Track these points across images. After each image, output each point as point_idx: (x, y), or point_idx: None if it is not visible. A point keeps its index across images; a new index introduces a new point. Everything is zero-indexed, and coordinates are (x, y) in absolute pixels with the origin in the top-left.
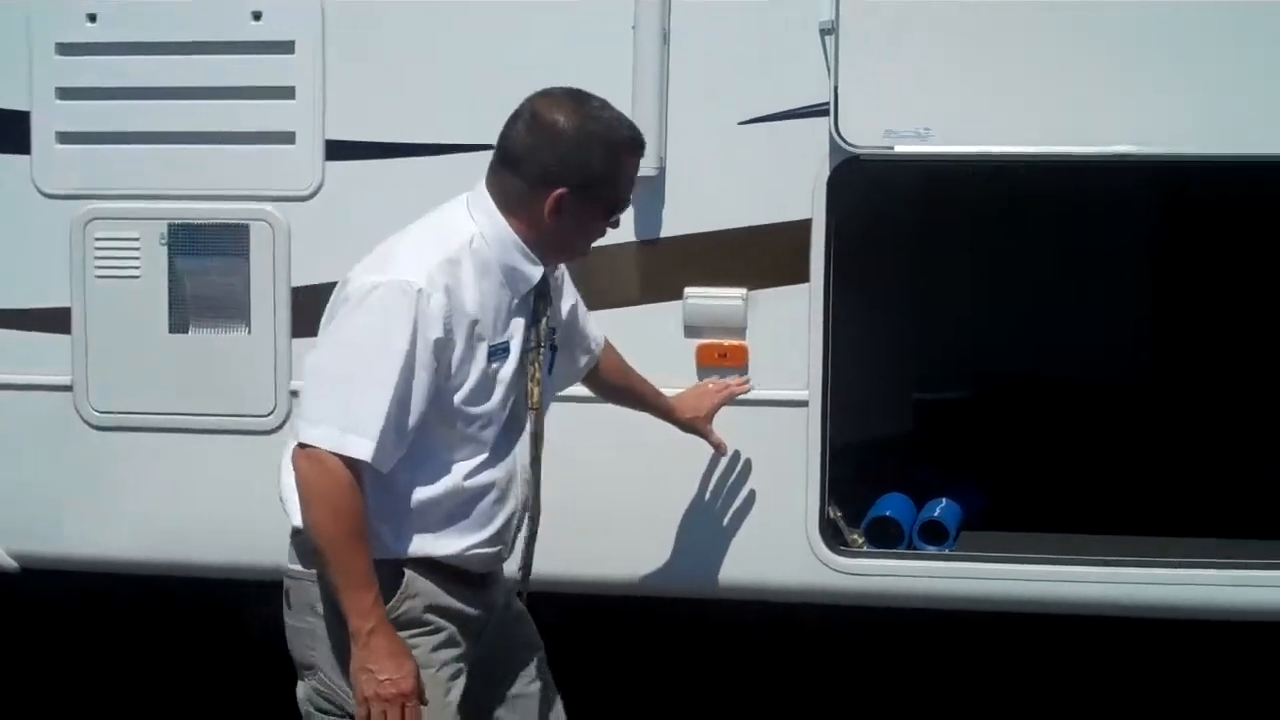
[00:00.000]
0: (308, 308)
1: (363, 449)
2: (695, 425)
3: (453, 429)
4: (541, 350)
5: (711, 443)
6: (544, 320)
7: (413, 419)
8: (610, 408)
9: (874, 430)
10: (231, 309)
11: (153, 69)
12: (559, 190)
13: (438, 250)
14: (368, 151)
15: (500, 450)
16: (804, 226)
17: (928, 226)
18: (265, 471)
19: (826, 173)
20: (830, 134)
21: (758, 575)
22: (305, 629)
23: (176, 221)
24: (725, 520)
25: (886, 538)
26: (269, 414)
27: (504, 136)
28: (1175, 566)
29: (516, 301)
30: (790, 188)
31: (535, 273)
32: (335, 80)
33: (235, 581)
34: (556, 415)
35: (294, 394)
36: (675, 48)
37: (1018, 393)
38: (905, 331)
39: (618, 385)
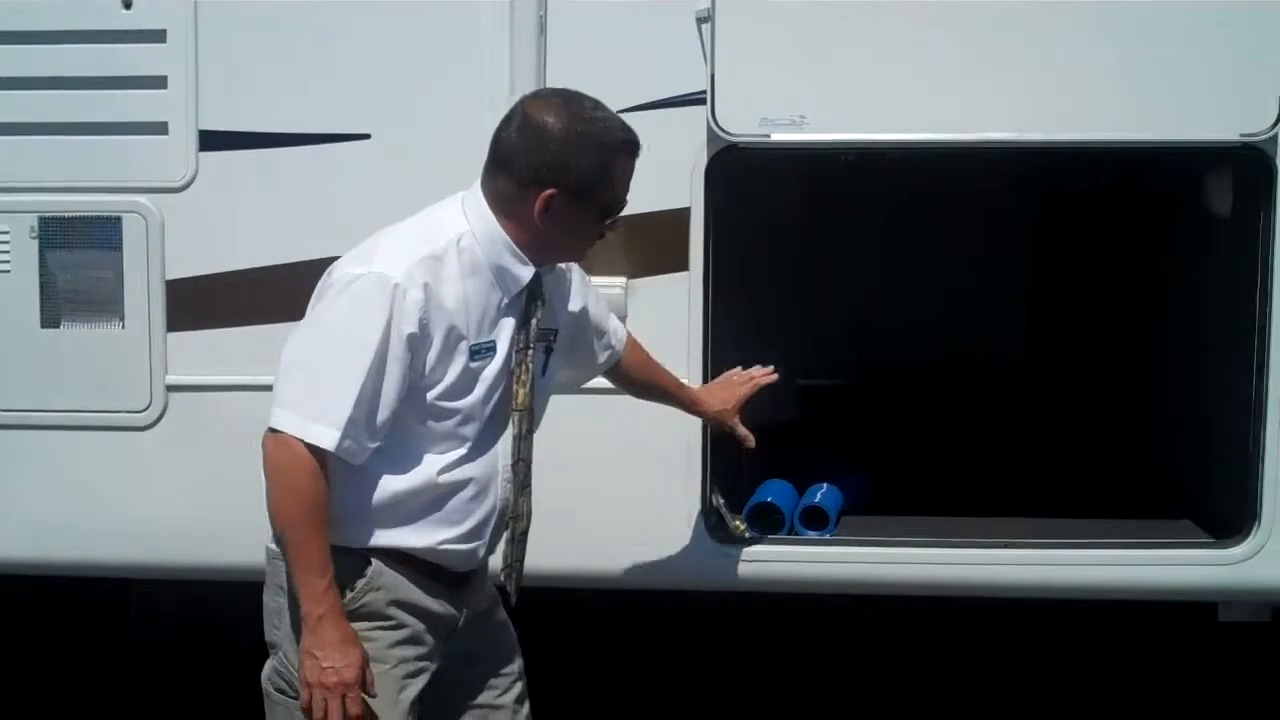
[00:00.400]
0: (182, 301)
1: (327, 438)
2: (722, 418)
3: (427, 424)
4: (531, 351)
5: (739, 436)
6: (534, 320)
7: (384, 413)
8: None
9: (756, 417)
10: (105, 303)
11: (22, 59)
12: (548, 191)
13: (421, 246)
14: (242, 142)
15: (481, 447)
16: (683, 215)
17: (807, 213)
18: (141, 467)
19: (704, 161)
20: (708, 122)
21: (641, 562)
22: (273, 607)
23: (47, 214)
24: (608, 509)
25: (768, 524)
26: (144, 410)
27: (496, 138)
28: (1049, 547)
29: (507, 301)
30: (669, 176)
31: (526, 273)
32: (208, 70)
33: (113, 579)
34: None
35: (170, 389)
36: (552, 37)
37: (899, 378)
38: (786, 318)
39: (641, 380)
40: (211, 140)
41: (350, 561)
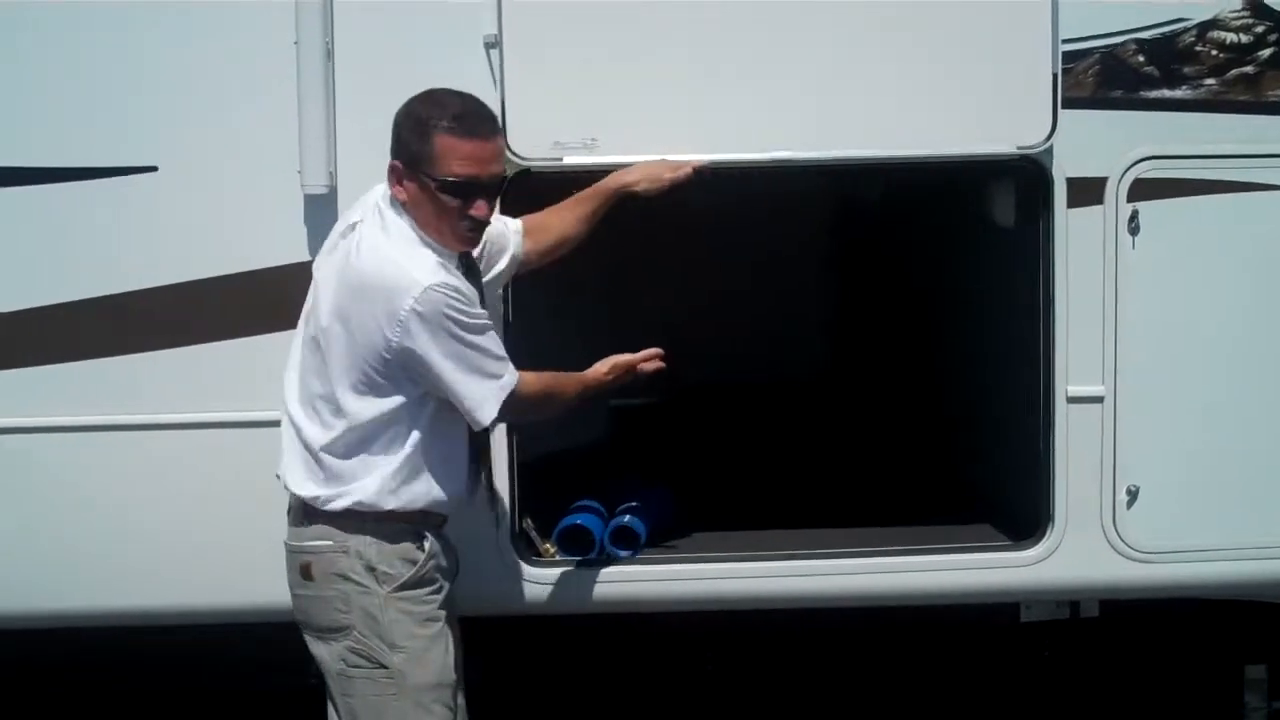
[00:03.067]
0: None
1: (510, 382)
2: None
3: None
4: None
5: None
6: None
7: None
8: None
9: (567, 439)
10: None
11: None
12: (392, 162)
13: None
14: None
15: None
16: None
17: (610, 235)
18: None
19: None
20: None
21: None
22: (334, 595)
23: None
24: None
25: (579, 546)
26: None
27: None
28: (855, 556)
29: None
30: None
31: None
32: None
33: None
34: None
35: None
36: (340, 63)
37: (707, 395)
38: (593, 339)
39: (557, 240)
40: None
41: (408, 534)
